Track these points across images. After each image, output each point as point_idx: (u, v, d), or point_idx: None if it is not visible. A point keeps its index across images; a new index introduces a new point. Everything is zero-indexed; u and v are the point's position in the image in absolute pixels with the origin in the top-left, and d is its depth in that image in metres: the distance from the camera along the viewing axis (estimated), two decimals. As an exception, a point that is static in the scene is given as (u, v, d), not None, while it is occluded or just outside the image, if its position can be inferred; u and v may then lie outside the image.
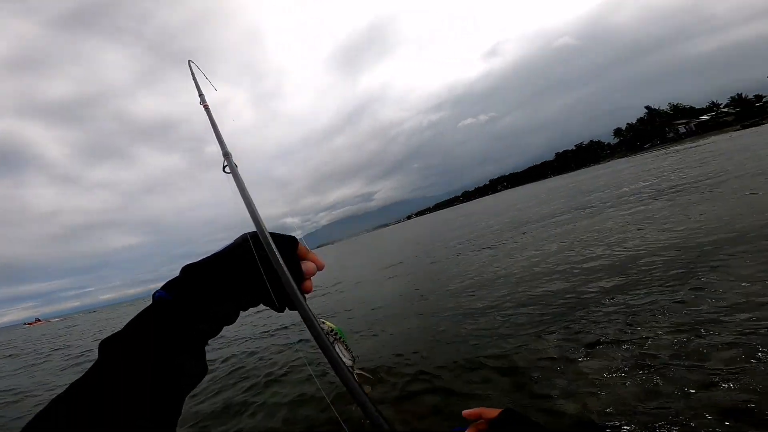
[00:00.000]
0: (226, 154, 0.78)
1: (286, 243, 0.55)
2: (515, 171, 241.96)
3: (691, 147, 36.44)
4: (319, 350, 0.49)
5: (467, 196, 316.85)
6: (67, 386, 0.40)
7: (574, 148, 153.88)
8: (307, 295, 0.55)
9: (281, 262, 0.51)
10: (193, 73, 1.35)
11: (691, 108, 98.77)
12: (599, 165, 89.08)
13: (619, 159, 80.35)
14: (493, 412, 0.68)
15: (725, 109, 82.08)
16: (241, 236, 0.56)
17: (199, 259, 0.53)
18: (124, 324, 0.46)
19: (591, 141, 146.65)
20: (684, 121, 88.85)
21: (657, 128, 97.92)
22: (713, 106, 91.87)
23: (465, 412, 0.71)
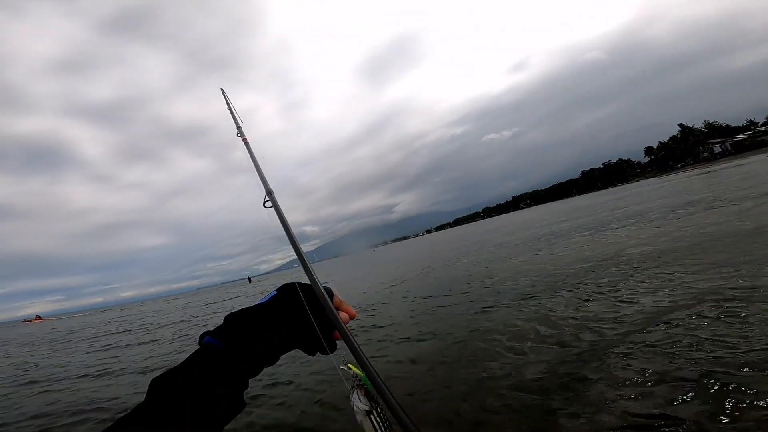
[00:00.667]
0: (269, 192, 0.81)
1: (326, 293, 0.62)
2: (538, 188, 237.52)
3: (725, 167, 34.65)
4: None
5: (488, 212, 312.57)
6: (115, 420, 0.45)
7: (602, 166, 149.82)
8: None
9: (332, 307, 0.59)
10: (228, 102, 1.35)
11: (727, 126, 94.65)
12: (628, 184, 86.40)
13: (650, 179, 77.50)
14: None
15: (763, 128, 78.24)
16: (284, 285, 0.63)
17: (241, 307, 0.61)
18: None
19: (620, 159, 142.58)
20: (719, 140, 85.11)
21: (690, 147, 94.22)
22: (750, 124, 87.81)
23: None
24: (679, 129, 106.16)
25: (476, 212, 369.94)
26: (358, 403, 0.56)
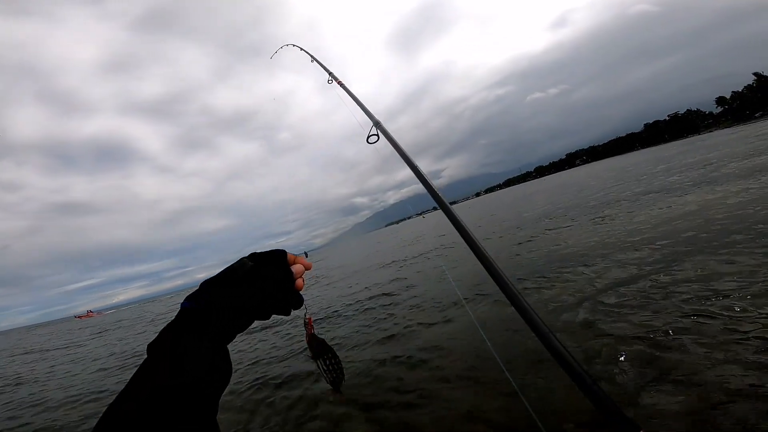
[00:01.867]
0: (377, 123, 0.81)
1: (274, 255, 0.67)
2: (595, 144, 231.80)
3: None
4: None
5: (541, 171, 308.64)
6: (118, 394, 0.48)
7: (668, 118, 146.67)
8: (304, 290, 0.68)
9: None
10: (311, 55, 1.42)
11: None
12: (699, 135, 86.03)
13: (724, 129, 77.25)
14: None
15: None
16: (241, 259, 0.66)
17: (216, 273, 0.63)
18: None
19: (689, 110, 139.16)
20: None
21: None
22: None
23: None
24: (755, 78, 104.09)
25: (528, 172, 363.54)
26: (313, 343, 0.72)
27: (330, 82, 1.36)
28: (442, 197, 0.52)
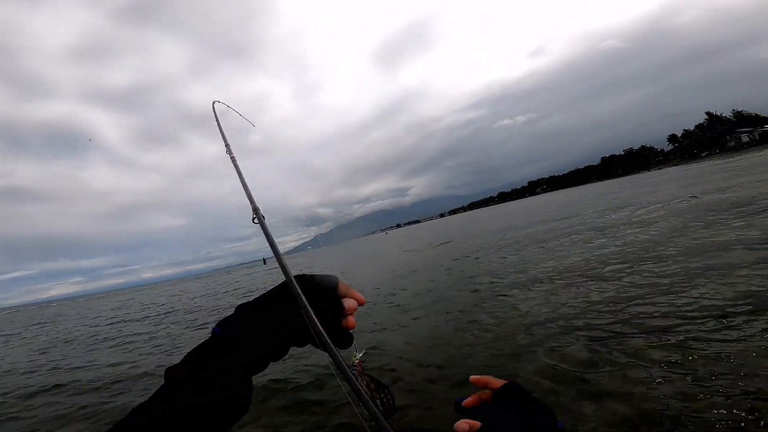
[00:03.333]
0: (255, 209, 0.85)
1: (325, 282, 0.60)
2: (555, 174, 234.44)
3: (756, 156, 34.57)
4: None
5: (503, 197, 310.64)
6: (131, 410, 0.47)
7: (623, 153, 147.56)
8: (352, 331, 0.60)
9: (306, 304, 0.54)
10: (217, 118, 1.28)
11: (757, 116, 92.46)
12: (650, 172, 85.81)
13: (672, 167, 76.94)
14: (497, 383, 0.64)
15: (796, 119, 76.55)
16: (284, 281, 0.60)
17: (252, 299, 0.59)
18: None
19: (642, 146, 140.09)
20: (748, 129, 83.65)
21: (718, 136, 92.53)
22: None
23: (472, 377, 0.68)
24: (706, 117, 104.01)
25: (491, 197, 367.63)
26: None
27: (228, 153, 1.11)
28: (285, 264, 0.63)
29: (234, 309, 0.58)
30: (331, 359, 0.52)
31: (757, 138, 76.92)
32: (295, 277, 0.60)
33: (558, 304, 5.32)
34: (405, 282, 10.30)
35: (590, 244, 9.27)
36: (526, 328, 4.65)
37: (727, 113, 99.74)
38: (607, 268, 6.57)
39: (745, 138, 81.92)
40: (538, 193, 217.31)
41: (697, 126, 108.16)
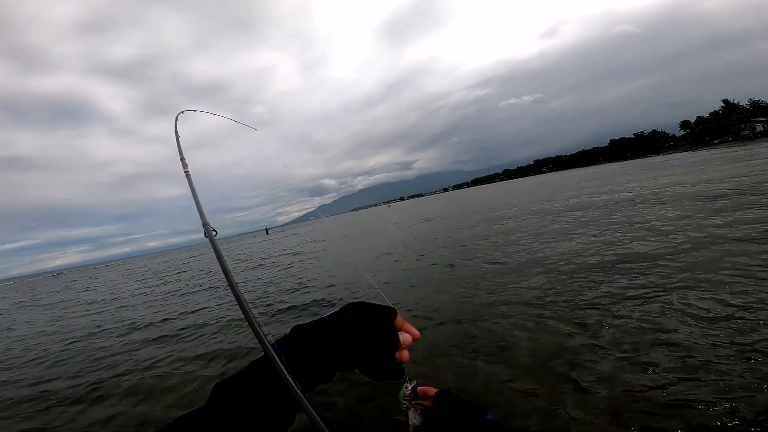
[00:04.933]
0: (205, 224, 0.84)
1: (385, 314, 0.61)
2: (562, 154, 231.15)
3: (762, 147, 34.21)
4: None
5: (508, 174, 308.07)
6: (175, 419, 0.49)
7: (633, 136, 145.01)
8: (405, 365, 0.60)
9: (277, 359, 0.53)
10: (177, 131, 1.24)
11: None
12: (657, 157, 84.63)
13: (682, 152, 75.81)
14: (432, 391, 0.69)
15: (814, 110, 74.73)
16: (348, 304, 0.63)
17: (307, 321, 0.61)
18: None
19: (653, 131, 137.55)
20: (763, 119, 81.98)
21: (732, 124, 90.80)
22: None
23: (420, 388, 0.71)
24: (722, 105, 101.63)
25: (495, 173, 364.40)
26: (414, 420, 0.63)
27: (183, 168, 1.05)
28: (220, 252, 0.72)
29: (290, 330, 0.61)
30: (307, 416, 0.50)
31: (772, 128, 75.48)
32: (353, 304, 0.63)
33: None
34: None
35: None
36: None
37: (744, 102, 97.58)
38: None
39: (759, 127, 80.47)
40: (544, 172, 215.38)
41: (711, 113, 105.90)
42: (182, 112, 1.46)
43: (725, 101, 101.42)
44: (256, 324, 0.59)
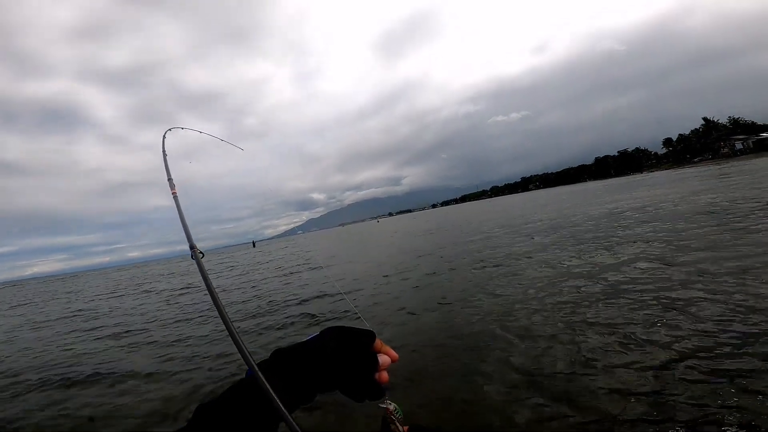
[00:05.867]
0: (192, 247, 0.87)
1: (364, 337, 0.64)
2: (548, 171, 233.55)
3: (741, 165, 33.84)
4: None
5: (496, 191, 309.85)
6: None
7: (617, 153, 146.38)
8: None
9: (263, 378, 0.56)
10: (164, 149, 1.24)
11: (753, 124, 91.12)
12: (641, 174, 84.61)
13: (665, 171, 75.67)
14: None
15: (792, 129, 75.19)
16: (327, 328, 0.65)
17: (288, 345, 0.65)
18: None
19: (637, 148, 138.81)
20: (742, 137, 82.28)
21: (712, 142, 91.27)
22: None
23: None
24: (703, 122, 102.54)
25: (484, 190, 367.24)
26: None
27: (171, 189, 1.05)
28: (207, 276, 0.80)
29: (270, 354, 0.63)
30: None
31: (751, 146, 75.57)
32: (332, 328, 0.65)
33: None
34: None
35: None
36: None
37: (723, 119, 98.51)
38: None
39: (738, 145, 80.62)
40: (531, 189, 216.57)
41: (692, 131, 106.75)
42: (170, 130, 1.40)
43: (705, 119, 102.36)
44: (242, 343, 0.63)
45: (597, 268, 6.06)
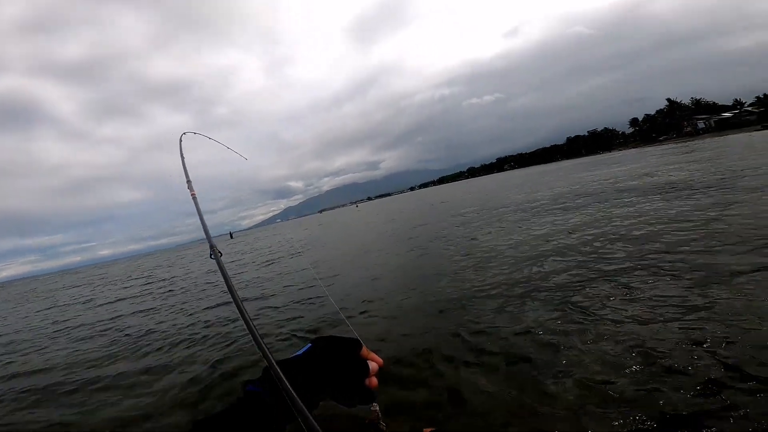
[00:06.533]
0: (212, 246, 0.90)
1: (351, 345, 0.68)
2: (523, 152, 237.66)
3: (704, 142, 35.38)
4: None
5: (473, 172, 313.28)
6: None
7: (587, 134, 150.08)
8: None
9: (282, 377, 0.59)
10: (182, 152, 1.26)
11: (714, 104, 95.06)
12: (610, 153, 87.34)
13: (632, 149, 78.46)
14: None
15: (749, 108, 78.96)
16: (317, 339, 0.69)
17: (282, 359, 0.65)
18: None
19: (606, 128, 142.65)
20: (704, 116, 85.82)
21: (675, 121, 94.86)
22: (737, 104, 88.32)
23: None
24: (667, 103, 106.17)
25: (461, 171, 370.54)
26: None
27: (189, 190, 1.10)
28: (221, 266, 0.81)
29: (262, 371, 0.63)
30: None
31: (713, 125, 78.94)
32: (323, 338, 0.69)
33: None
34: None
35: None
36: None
37: (687, 100, 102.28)
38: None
39: (701, 124, 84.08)
40: (506, 170, 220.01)
41: (658, 111, 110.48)
42: (184, 134, 1.43)
43: (669, 100, 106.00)
44: (263, 344, 0.66)
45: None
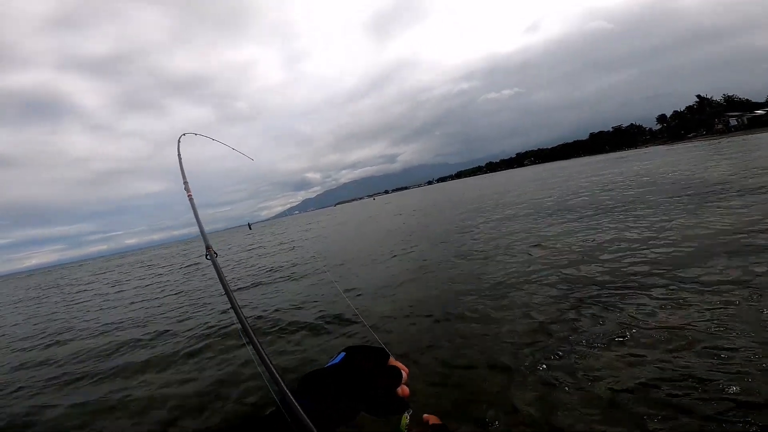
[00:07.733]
0: (208, 247, 0.85)
1: (381, 354, 0.68)
2: (543, 147, 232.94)
3: (743, 140, 34.45)
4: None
5: (492, 167, 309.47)
6: None
7: (611, 129, 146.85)
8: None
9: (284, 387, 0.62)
10: (179, 154, 1.18)
11: (747, 101, 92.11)
12: (636, 149, 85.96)
13: (659, 146, 76.91)
14: (432, 419, 0.79)
15: (784, 106, 76.40)
16: (349, 349, 0.69)
17: (315, 368, 0.66)
18: None
19: (631, 124, 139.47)
20: (737, 113, 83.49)
21: (706, 118, 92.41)
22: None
23: (425, 415, 0.81)
24: (697, 99, 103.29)
25: (479, 166, 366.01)
26: None
27: (186, 191, 1.11)
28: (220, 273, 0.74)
29: (301, 378, 0.64)
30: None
31: (746, 122, 76.86)
32: (355, 348, 0.69)
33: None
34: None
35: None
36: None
37: (716, 97, 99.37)
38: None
39: (733, 122, 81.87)
40: (526, 165, 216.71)
41: (687, 107, 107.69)
42: (184, 135, 1.37)
43: (699, 96, 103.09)
44: (270, 365, 0.66)
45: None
